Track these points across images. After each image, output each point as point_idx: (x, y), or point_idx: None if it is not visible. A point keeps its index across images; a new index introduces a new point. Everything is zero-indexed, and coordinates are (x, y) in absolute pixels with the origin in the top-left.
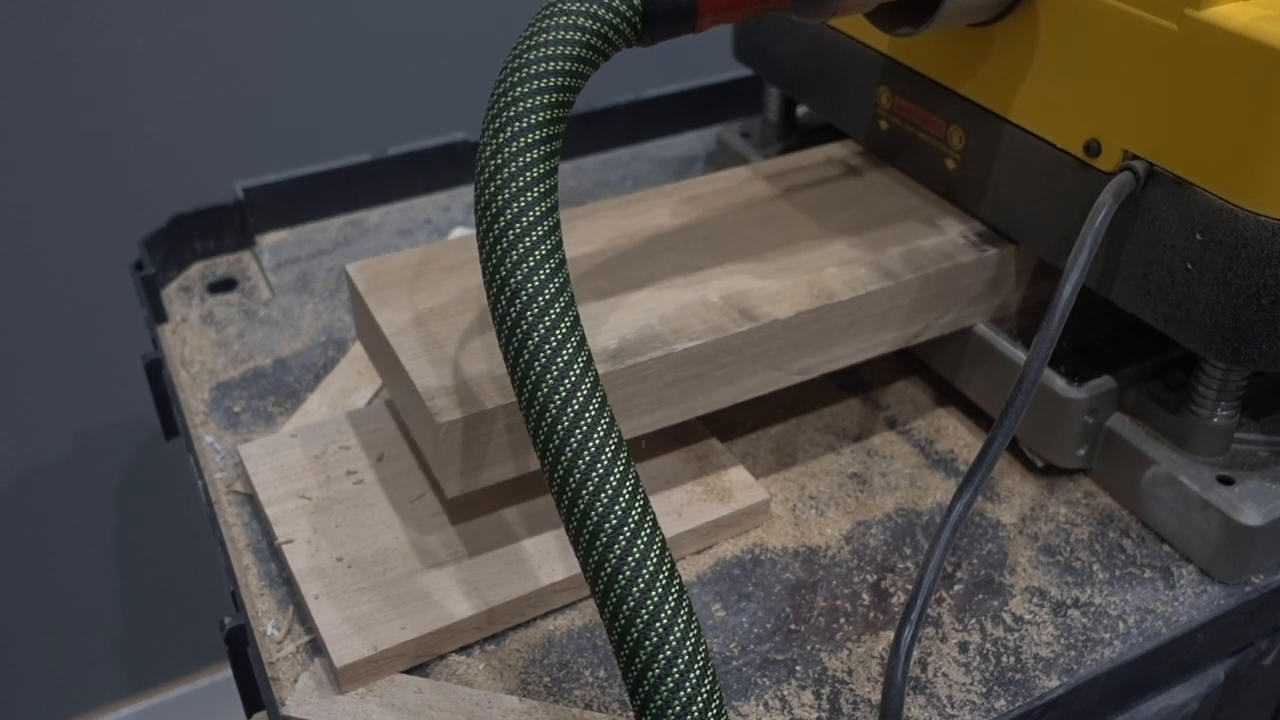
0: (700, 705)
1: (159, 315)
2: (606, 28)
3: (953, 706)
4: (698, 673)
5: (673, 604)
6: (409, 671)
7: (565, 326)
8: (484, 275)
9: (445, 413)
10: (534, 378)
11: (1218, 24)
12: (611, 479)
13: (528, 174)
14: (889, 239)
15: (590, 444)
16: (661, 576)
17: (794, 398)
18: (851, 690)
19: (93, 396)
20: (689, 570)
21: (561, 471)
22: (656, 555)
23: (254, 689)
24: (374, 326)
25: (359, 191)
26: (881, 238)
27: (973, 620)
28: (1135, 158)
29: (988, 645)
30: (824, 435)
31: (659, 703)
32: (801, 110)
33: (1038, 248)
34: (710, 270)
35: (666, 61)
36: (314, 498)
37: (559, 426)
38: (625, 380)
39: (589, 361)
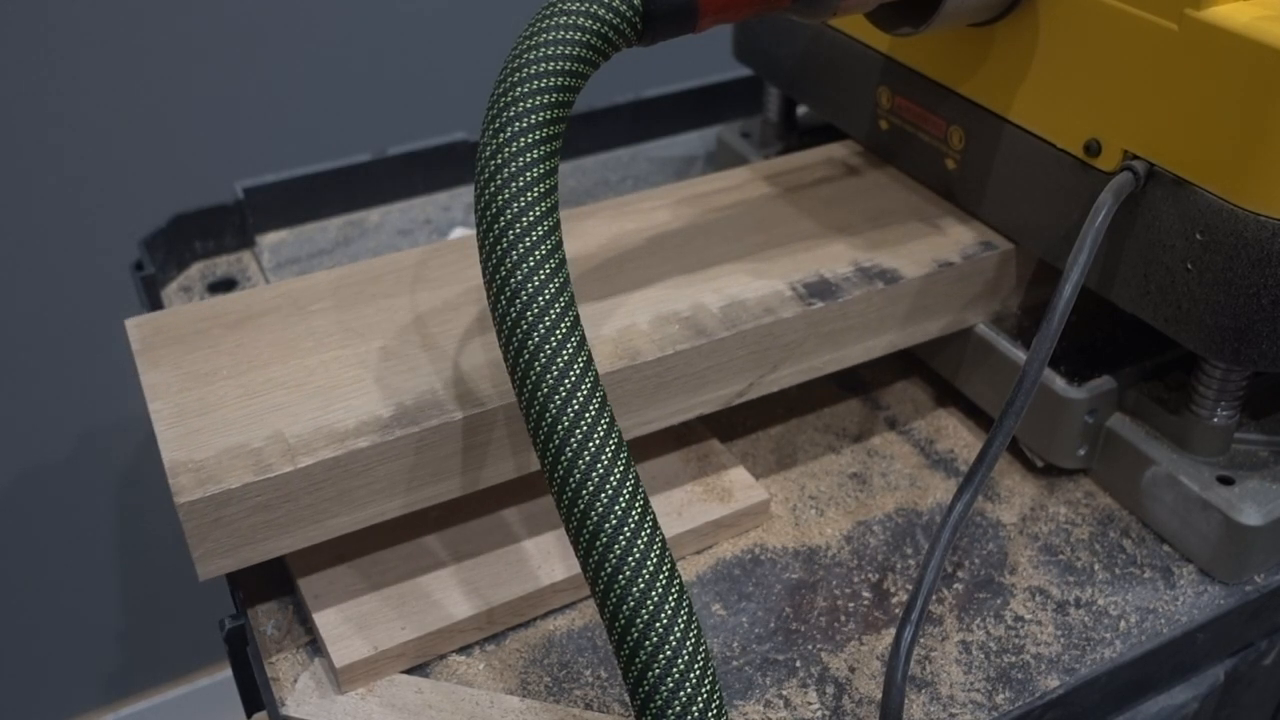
0: (700, 705)
1: None
2: (606, 28)
3: (954, 705)
4: (698, 673)
5: (673, 604)
6: (409, 671)
7: (565, 326)
8: (484, 275)
9: (186, 492)
10: (534, 378)
11: (1218, 24)
12: (611, 479)
13: (528, 174)
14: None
15: (590, 444)
16: (661, 576)
17: (794, 398)
18: (852, 690)
19: (93, 396)
20: (689, 570)
21: (561, 471)
22: (656, 555)
23: (254, 689)
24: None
25: (359, 191)
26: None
27: (973, 620)
28: (1135, 158)
29: (988, 645)
30: (824, 435)
31: (659, 703)
32: (801, 110)
33: (1038, 248)
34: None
35: (666, 61)
36: None
37: (559, 426)
38: (395, 454)
39: (589, 361)
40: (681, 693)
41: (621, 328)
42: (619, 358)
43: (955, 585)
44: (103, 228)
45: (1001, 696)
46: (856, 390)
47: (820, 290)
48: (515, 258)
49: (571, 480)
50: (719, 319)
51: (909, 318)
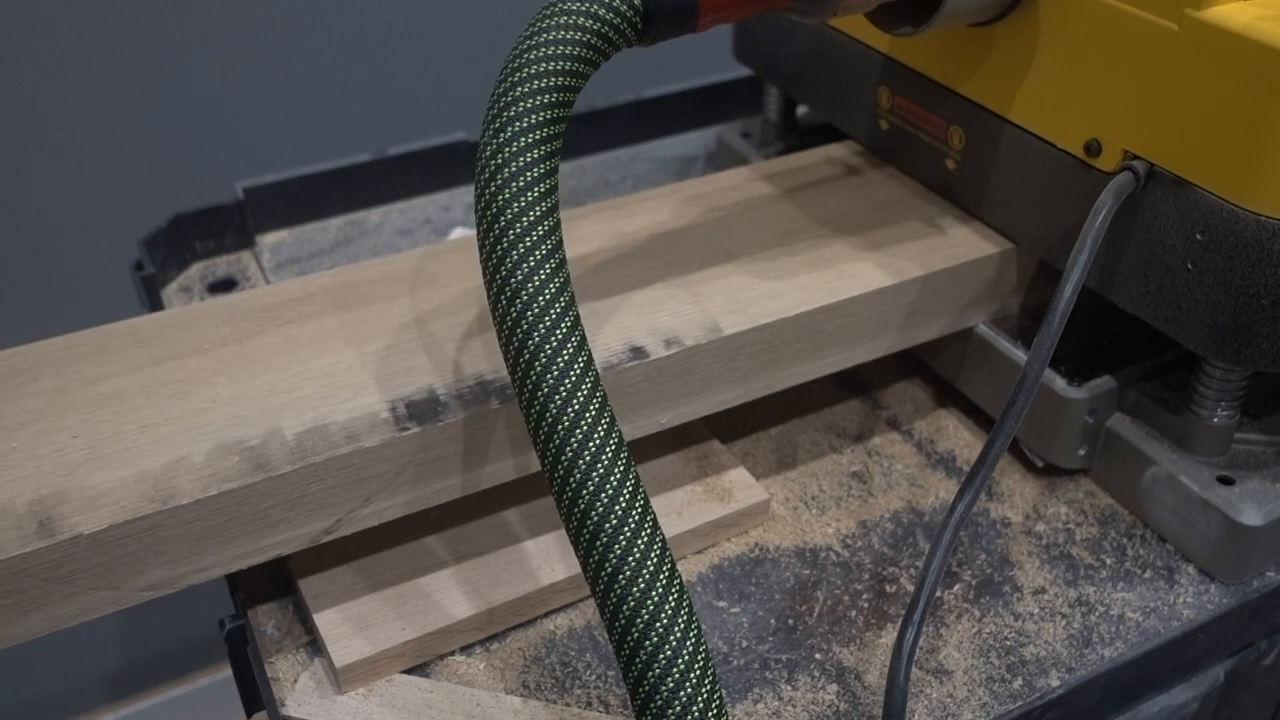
0: (700, 705)
1: None
2: (607, 27)
3: (955, 705)
4: (698, 673)
5: (673, 604)
6: (409, 671)
7: (565, 326)
8: (484, 275)
9: None
10: (534, 378)
11: (1218, 24)
12: (612, 479)
13: (528, 174)
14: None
15: (590, 444)
16: (662, 576)
17: (794, 398)
18: (854, 689)
19: None
20: (689, 570)
21: (562, 471)
22: (657, 555)
23: (254, 689)
24: None
25: (359, 191)
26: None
27: (973, 620)
28: (1135, 158)
29: (988, 644)
30: (824, 435)
31: (659, 703)
32: (801, 110)
33: (1038, 248)
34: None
35: (666, 61)
36: None
37: (559, 426)
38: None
39: (589, 361)
40: (682, 692)
41: (171, 460)
42: (150, 502)
43: (956, 585)
44: (103, 228)
45: (1002, 695)
46: (857, 390)
47: (422, 412)
48: (515, 257)
49: (572, 480)
50: (291, 449)
51: (318, 509)
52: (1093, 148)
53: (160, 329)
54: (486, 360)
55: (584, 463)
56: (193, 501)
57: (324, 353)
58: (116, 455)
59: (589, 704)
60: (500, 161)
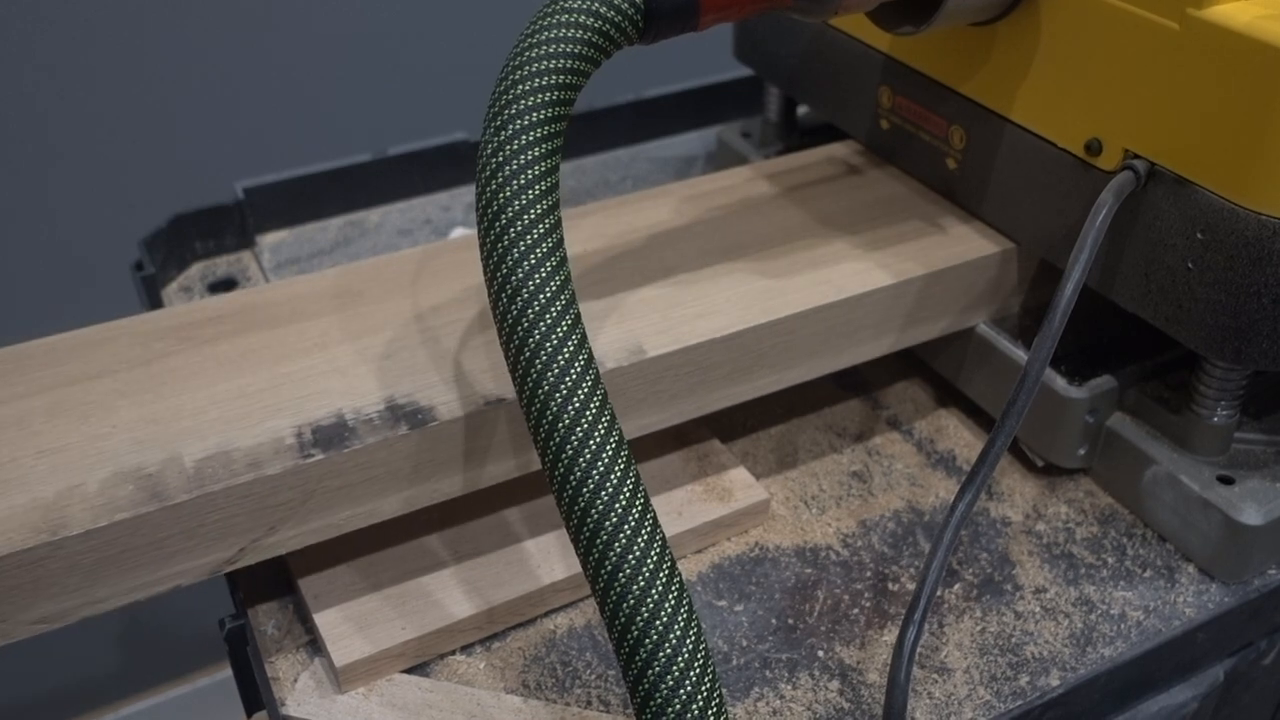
0: (700, 704)
1: None
2: (608, 26)
3: (955, 705)
4: (698, 671)
5: (673, 603)
6: (409, 671)
7: (566, 326)
8: (485, 274)
9: None
10: (534, 376)
11: (1219, 23)
12: (612, 478)
13: (529, 172)
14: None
15: (591, 443)
16: (662, 575)
17: (794, 398)
18: (854, 688)
19: None
20: (689, 570)
21: (562, 470)
22: (657, 554)
23: (254, 689)
24: None
25: (359, 191)
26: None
27: (973, 619)
28: (1136, 157)
29: (988, 644)
30: (825, 435)
31: (659, 701)
32: (801, 110)
33: (1039, 247)
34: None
35: (666, 61)
36: None
37: (560, 425)
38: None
39: (589, 361)
40: (681, 691)
41: (66, 488)
42: (38, 531)
43: (956, 584)
44: (103, 228)
45: (1003, 694)
46: (857, 390)
47: (329, 438)
48: (516, 255)
49: (572, 478)
50: (189, 477)
51: (195, 544)
52: (1093, 147)
53: (77, 347)
54: (399, 381)
55: (584, 461)
56: (82, 532)
57: (239, 374)
58: (11, 482)
59: (589, 703)
60: (501, 160)
